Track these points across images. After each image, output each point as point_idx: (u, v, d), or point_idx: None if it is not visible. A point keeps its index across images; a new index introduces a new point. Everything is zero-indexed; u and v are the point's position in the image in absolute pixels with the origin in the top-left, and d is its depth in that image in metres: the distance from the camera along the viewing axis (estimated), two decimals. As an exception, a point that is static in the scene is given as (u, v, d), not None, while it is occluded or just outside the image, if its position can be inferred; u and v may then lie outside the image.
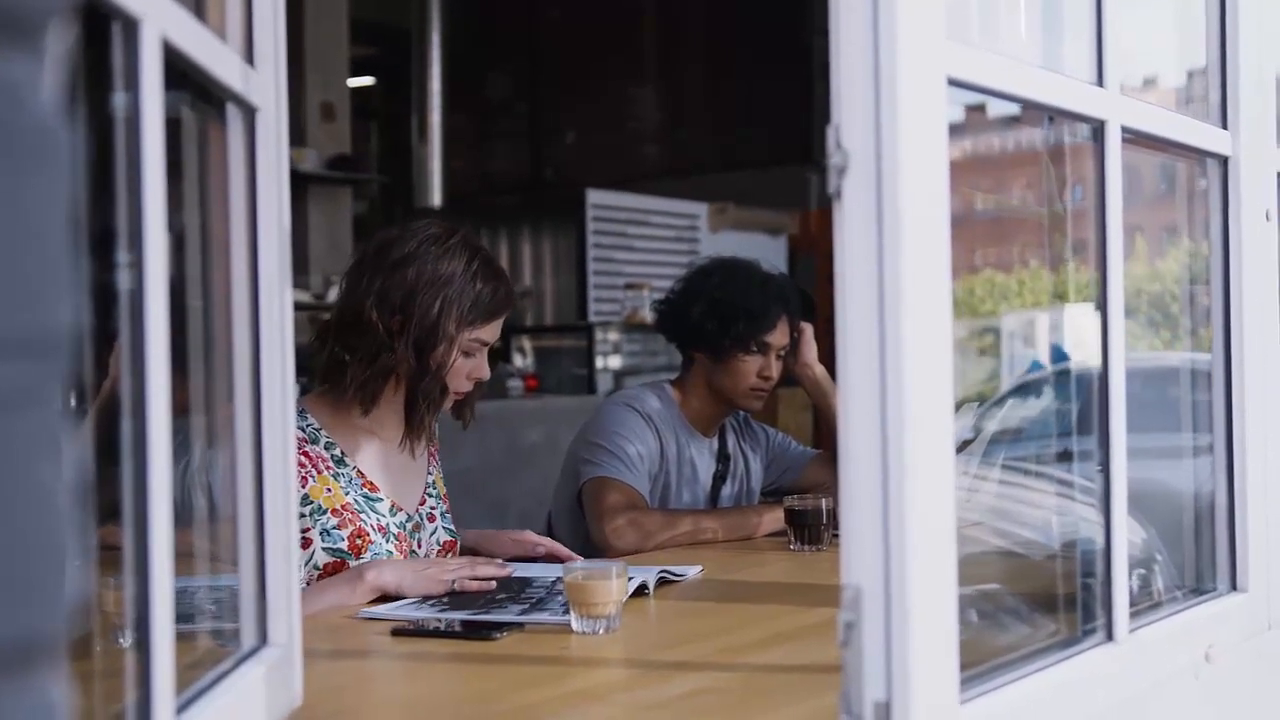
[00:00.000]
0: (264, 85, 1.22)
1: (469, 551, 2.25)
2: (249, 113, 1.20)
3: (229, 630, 1.23)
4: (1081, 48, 1.37)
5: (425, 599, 1.87)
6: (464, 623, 1.72)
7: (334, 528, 2.00)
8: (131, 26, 0.87)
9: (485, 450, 4.85)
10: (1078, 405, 1.53)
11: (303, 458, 2.00)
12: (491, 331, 2.09)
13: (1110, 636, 1.35)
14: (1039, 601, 1.50)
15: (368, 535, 2.02)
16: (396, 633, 1.70)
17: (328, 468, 2.03)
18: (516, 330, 7.28)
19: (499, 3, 9.90)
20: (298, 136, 6.62)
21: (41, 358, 0.54)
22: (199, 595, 1.25)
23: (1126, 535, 1.37)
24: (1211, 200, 1.64)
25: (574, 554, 2.18)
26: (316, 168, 6.82)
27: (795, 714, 1.33)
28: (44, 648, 0.53)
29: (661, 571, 2.02)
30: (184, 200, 1.17)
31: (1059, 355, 1.80)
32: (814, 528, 2.36)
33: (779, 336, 2.66)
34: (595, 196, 7.74)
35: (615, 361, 7.06)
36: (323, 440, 2.05)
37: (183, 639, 0.97)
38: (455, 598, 1.88)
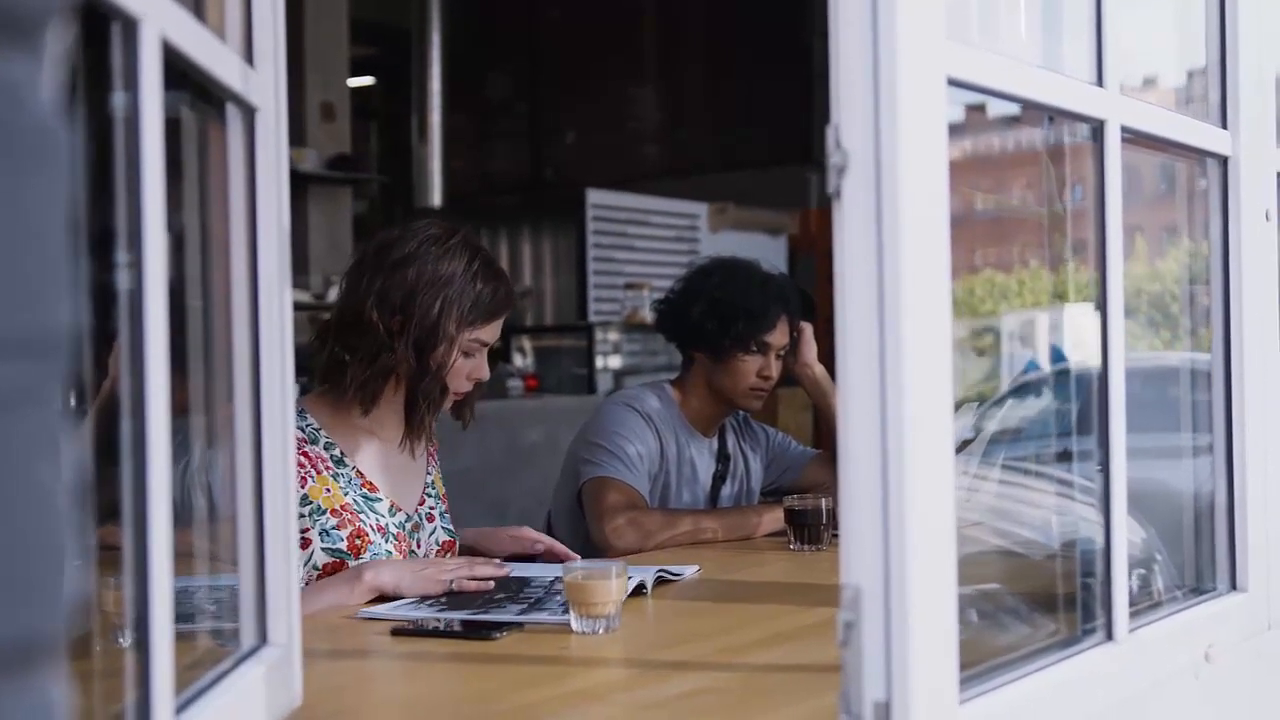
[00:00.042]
0: (263, 85, 1.22)
1: (468, 550, 2.26)
2: (248, 113, 1.20)
3: (229, 630, 1.23)
4: (1081, 47, 1.37)
5: (423, 599, 1.87)
6: (464, 622, 1.72)
7: (333, 528, 2.00)
8: (131, 26, 0.87)
9: (485, 450, 4.85)
10: (1078, 405, 1.53)
11: (302, 458, 2.00)
12: (491, 332, 2.09)
13: (1110, 636, 1.35)
14: (1039, 601, 1.50)
15: (367, 535, 2.02)
16: (396, 632, 1.70)
17: (327, 468, 2.03)
18: (516, 330, 7.28)
19: (499, 3, 9.90)
20: (298, 136, 6.62)
21: (41, 358, 0.54)
22: (199, 595, 1.25)
23: (1126, 535, 1.37)
24: (1211, 200, 1.64)
25: (571, 552, 2.18)
26: (316, 168, 6.82)
27: (795, 714, 1.33)
28: (43, 647, 0.53)
29: (659, 571, 2.02)
30: (184, 200, 1.17)
31: (1057, 356, 1.80)
32: (814, 527, 2.36)
33: (779, 336, 2.66)
34: (595, 196, 7.75)
35: (615, 361, 7.06)
36: (322, 440, 2.05)
37: (182, 639, 0.97)
38: (453, 598, 1.88)
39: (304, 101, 6.78)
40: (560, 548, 2.19)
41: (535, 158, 9.92)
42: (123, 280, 0.87)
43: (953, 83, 1.09)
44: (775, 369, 2.67)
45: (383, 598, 1.88)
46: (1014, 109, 1.41)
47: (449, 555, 2.18)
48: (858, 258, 1.03)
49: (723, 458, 2.77)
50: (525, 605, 1.81)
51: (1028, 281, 1.80)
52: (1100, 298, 1.36)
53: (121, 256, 0.87)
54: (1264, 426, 1.64)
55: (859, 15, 1.02)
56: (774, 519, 2.51)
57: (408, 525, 2.11)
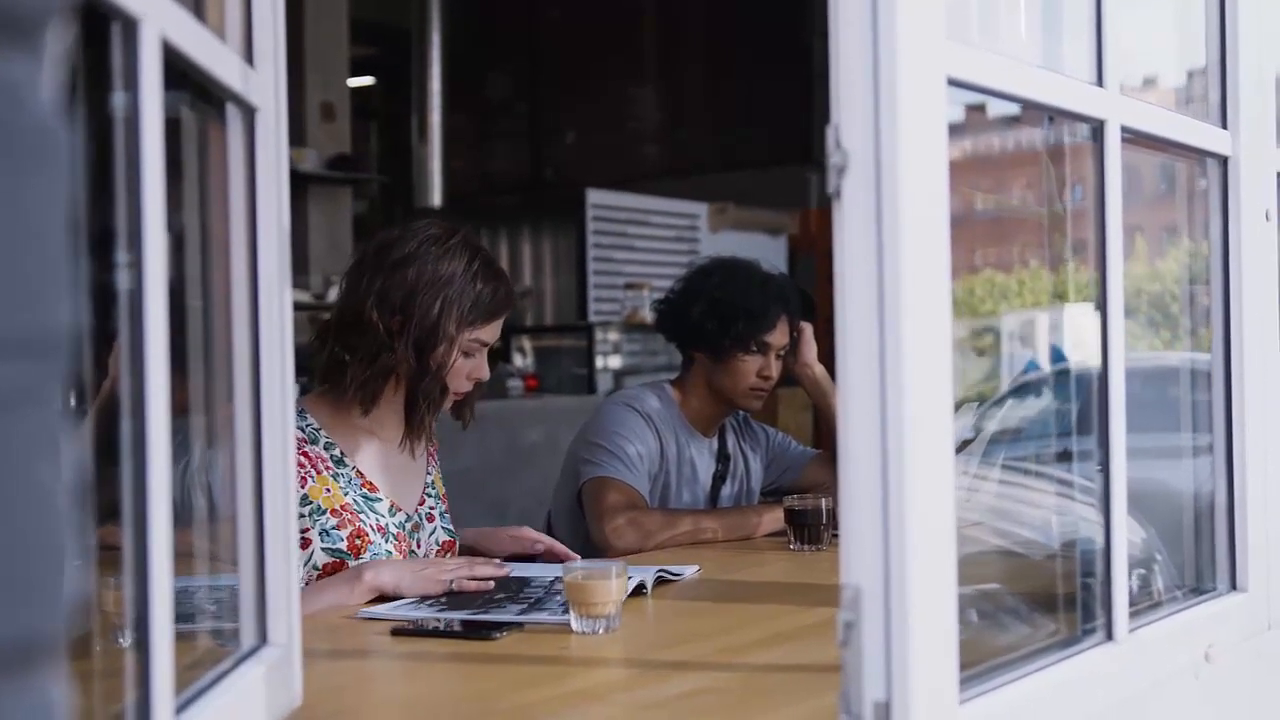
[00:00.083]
0: (263, 85, 1.22)
1: (468, 550, 2.26)
2: (248, 112, 1.20)
3: (229, 630, 1.23)
4: (1081, 47, 1.37)
5: (423, 599, 1.87)
6: (464, 622, 1.72)
7: (333, 528, 2.00)
8: (131, 26, 0.87)
9: (485, 450, 4.85)
10: (1078, 405, 1.53)
11: (302, 458, 2.00)
12: (491, 332, 2.10)
13: (1110, 636, 1.35)
14: (1039, 601, 1.50)
15: (367, 535, 2.02)
16: (396, 632, 1.70)
17: (327, 468, 2.03)
18: (516, 330, 7.29)
19: (499, 3, 9.90)
20: (298, 136, 6.62)
21: (41, 358, 0.54)
22: (199, 595, 1.25)
23: (1126, 535, 1.37)
24: (1211, 200, 1.65)
25: (571, 552, 2.18)
26: (316, 167, 6.82)
27: (795, 714, 1.33)
28: (43, 647, 0.53)
29: (659, 571, 2.02)
30: (184, 200, 1.17)
31: (1057, 356, 1.80)
32: (814, 527, 2.36)
33: (779, 336, 2.66)
34: (595, 196, 7.75)
35: (615, 361, 7.06)
36: (322, 440, 2.05)
37: (182, 639, 0.97)
38: (453, 598, 1.88)
39: (304, 101, 6.78)
40: (560, 548, 2.19)
41: (535, 158, 9.92)
42: (123, 280, 0.87)
43: (952, 83, 1.09)
44: (775, 369, 2.67)
45: (382, 598, 1.88)
46: (1014, 109, 1.41)
47: (449, 555, 2.18)
48: (857, 258, 1.03)
49: (723, 458, 2.77)
50: (525, 605, 1.81)
51: (1028, 281, 1.80)
52: (1100, 298, 1.36)
53: (122, 256, 0.87)
54: (1264, 426, 1.64)
55: (859, 15, 1.02)
56: (774, 519, 2.51)
57: (408, 525, 2.11)
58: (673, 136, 9.42)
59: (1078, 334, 1.59)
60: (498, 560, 2.09)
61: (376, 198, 8.49)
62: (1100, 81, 1.36)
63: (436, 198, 8.20)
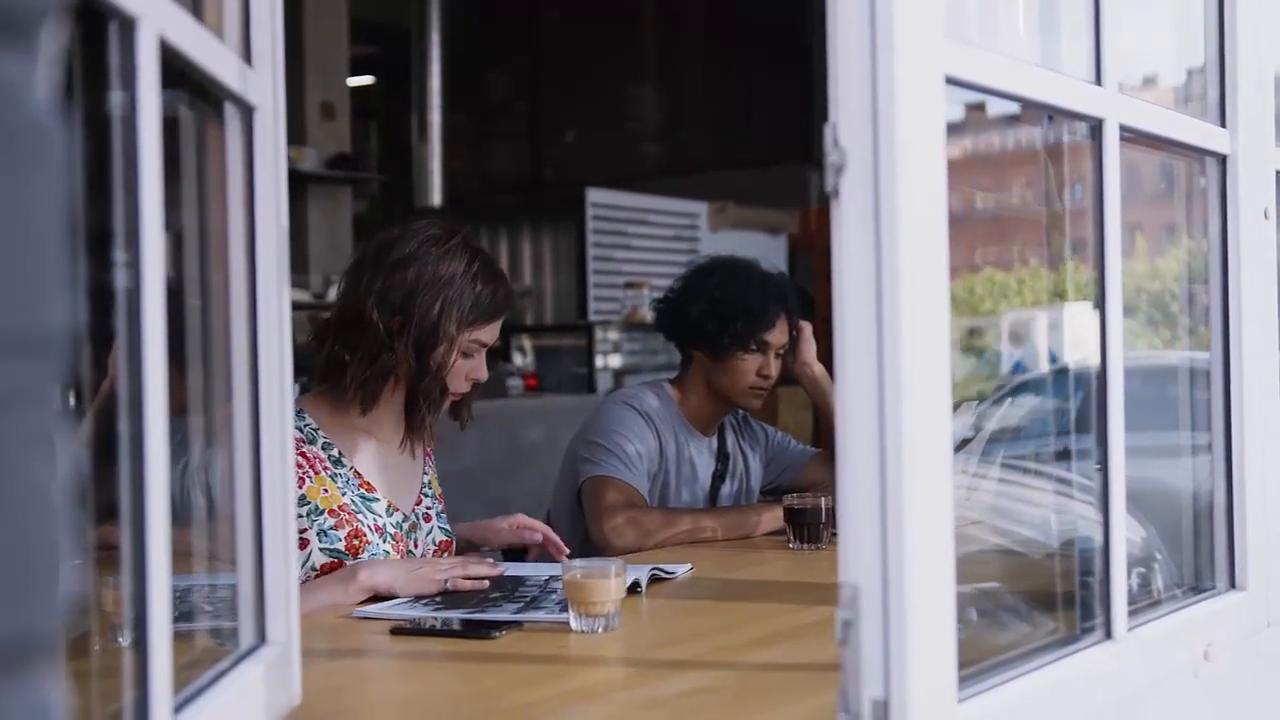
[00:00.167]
0: (262, 84, 1.22)
1: (465, 544, 2.26)
2: (247, 112, 1.20)
3: (227, 629, 1.23)
4: (1080, 46, 1.37)
5: (418, 598, 1.87)
6: (463, 621, 1.72)
7: (331, 528, 2.00)
8: (129, 26, 0.87)
9: (485, 450, 4.85)
10: (1077, 404, 1.53)
11: (300, 458, 2.00)
12: (491, 333, 2.10)
13: (1109, 635, 1.35)
14: (1038, 600, 1.50)
15: (365, 535, 2.02)
16: (395, 632, 1.70)
17: (325, 468, 2.03)
18: (516, 329, 7.29)
19: (499, 3, 9.90)
20: (297, 135, 6.62)
21: (37, 357, 0.54)
22: (197, 594, 1.25)
23: (1125, 534, 1.37)
24: (1210, 198, 1.64)
25: (563, 545, 2.20)
26: (316, 167, 6.82)
27: (794, 712, 1.33)
28: (40, 647, 0.53)
29: (653, 569, 2.03)
30: (182, 200, 1.17)
31: (1050, 357, 1.80)
32: (813, 526, 2.36)
33: (778, 335, 2.67)
34: (595, 195, 7.75)
35: (615, 360, 7.06)
36: (320, 440, 2.05)
37: (181, 638, 0.97)
38: (448, 597, 1.88)
39: (304, 101, 6.78)
40: (554, 537, 2.20)
41: (535, 157, 9.92)
42: (121, 280, 0.87)
43: (951, 81, 1.09)
44: (774, 368, 2.67)
45: (377, 597, 1.88)
46: (1014, 107, 1.41)
47: (445, 555, 2.18)
48: (856, 256, 1.03)
49: (722, 456, 2.77)
50: (521, 604, 1.82)
51: (1027, 280, 1.80)
52: (1099, 296, 1.36)
53: (120, 256, 0.87)
54: (1263, 425, 1.64)
55: (857, 14, 1.02)
56: (773, 518, 2.51)
57: (405, 525, 2.11)
58: (673, 136, 9.42)
59: (1077, 333, 1.59)
60: (491, 560, 2.09)
61: (376, 197, 8.49)
62: (1099, 80, 1.36)
63: (436, 197, 8.20)
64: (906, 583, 1.01)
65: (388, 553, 2.05)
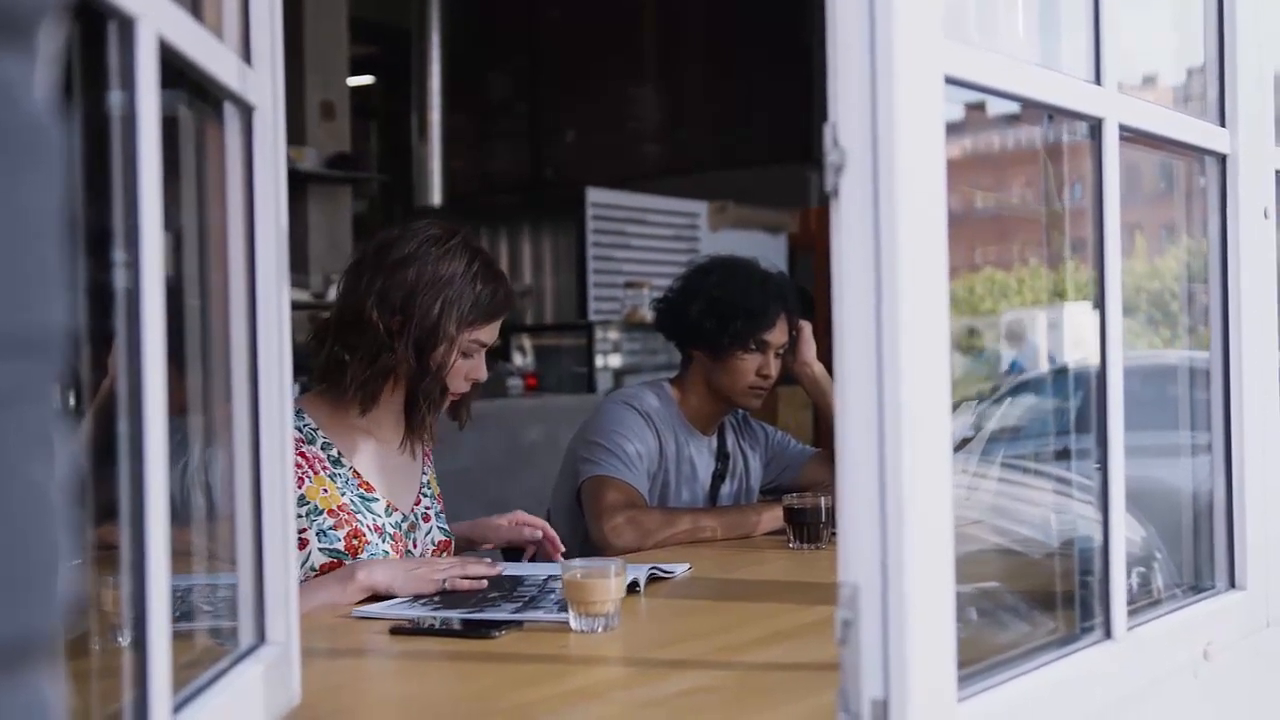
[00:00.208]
0: (261, 84, 1.22)
1: (464, 542, 2.26)
2: (246, 112, 1.20)
3: (227, 629, 1.23)
4: (1080, 45, 1.37)
5: (416, 598, 1.87)
6: (463, 621, 1.72)
7: (330, 528, 2.00)
8: (128, 25, 0.87)
9: (484, 449, 4.85)
10: (1076, 403, 1.53)
11: (299, 458, 2.00)
12: (490, 333, 2.10)
13: (1109, 634, 1.35)
14: (1037, 599, 1.50)
15: (364, 536, 2.02)
16: (395, 631, 1.70)
17: (324, 468, 2.03)
18: (516, 329, 7.29)
19: (499, 3, 9.90)
20: (297, 135, 6.62)
21: (35, 356, 0.54)
22: (197, 594, 1.25)
23: (1125, 533, 1.37)
24: (1210, 198, 1.64)
25: (560, 544, 2.21)
26: (316, 166, 6.82)
27: (793, 712, 1.33)
28: (38, 646, 0.53)
29: (652, 569, 2.03)
30: (181, 199, 1.17)
31: (1048, 358, 1.80)
32: (813, 526, 2.36)
33: (778, 335, 2.67)
34: (595, 195, 7.74)
35: (615, 360, 7.06)
36: (319, 440, 2.05)
37: (181, 638, 0.97)
38: (446, 597, 1.88)
39: (304, 100, 6.78)
40: (552, 533, 2.21)
41: (535, 157, 9.92)
42: (120, 279, 0.87)
43: (950, 81, 1.09)
44: (774, 367, 2.67)
45: (375, 597, 1.88)
46: (1014, 107, 1.41)
47: (444, 555, 2.18)
48: (855, 256, 1.03)
49: (722, 456, 2.77)
50: (520, 604, 1.82)
51: (1027, 280, 1.80)
52: (1098, 296, 1.36)
53: (119, 256, 0.87)
54: (1263, 424, 1.64)
55: (856, 13, 1.02)
56: (773, 517, 2.51)
57: (404, 525, 2.11)
58: (673, 136, 9.42)
59: (1077, 332, 1.59)
60: (490, 560, 2.09)
61: (376, 197, 8.49)
62: (1098, 80, 1.36)
63: (436, 197, 8.20)
64: (906, 582, 1.01)
65: (387, 553, 2.05)
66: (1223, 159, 1.63)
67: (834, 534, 2.32)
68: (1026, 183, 1.76)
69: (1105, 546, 1.35)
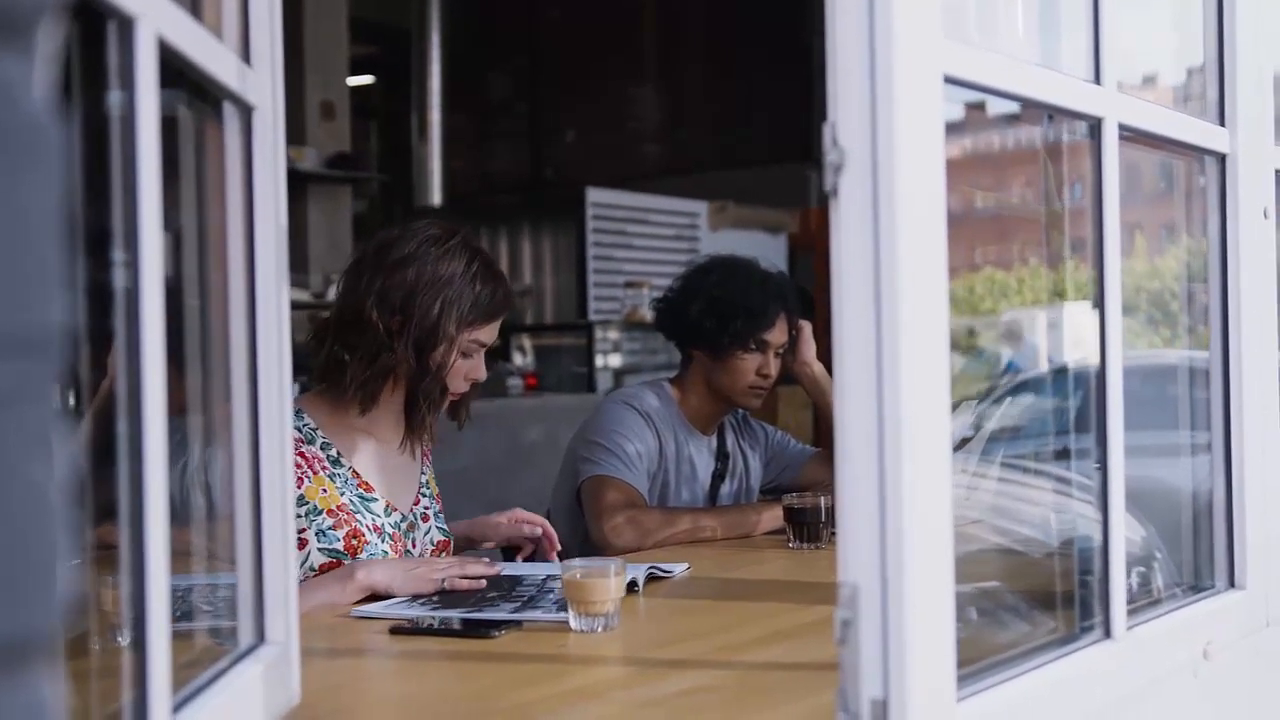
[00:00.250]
0: (260, 84, 1.22)
1: (464, 540, 2.26)
2: (245, 111, 1.20)
3: (226, 629, 1.23)
4: (1079, 45, 1.37)
5: (415, 598, 1.87)
6: (462, 621, 1.72)
7: (329, 528, 2.00)
8: (127, 25, 0.87)
9: (484, 449, 4.85)
10: (1076, 403, 1.53)
11: (299, 458, 2.00)
12: (490, 333, 2.10)
13: (1108, 634, 1.35)
14: (1037, 599, 1.50)
15: (363, 535, 2.02)
16: (394, 631, 1.70)
17: (324, 468, 2.04)
18: (516, 329, 7.29)
19: (499, 3, 9.90)
20: (297, 135, 6.62)
21: (34, 356, 0.54)
22: (197, 594, 1.25)
23: (1125, 533, 1.37)
24: (1210, 197, 1.64)
25: (558, 543, 2.21)
26: (316, 166, 6.82)
27: (793, 712, 1.33)
28: (37, 646, 0.53)
29: (650, 568, 2.03)
30: (180, 199, 1.17)
31: (1047, 357, 1.80)
32: (813, 526, 2.36)
33: (778, 334, 2.67)
34: (595, 195, 7.74)
35: (615, 360, 7.06)
36: (319, 440, 2.05)
37: (180, 637, 0.97)
38: (445, 596, 1.88)
39: (304, 100, 6.78)
40: (551, 531, 2.21)
41: (535, 157, 9.92)
42: (120, 279, 0.87)
43: (950, 81, 1.09)
44: (774, 367, 2.67)
45: (374, 596, 1.88)
46: (1013, 107, 1.41)
47: (443, 555, 2.18)
48: (854, 255, 1.03)
49: (722, 456, 2.77)
50: (518, 604, 1.82)
51: (1027, 279, 1.80)
52: (1098, 295, 1.36)
53: (118, 256, 0.87)
54: (1262, 424, 1.64)
55: (856, 13, 1.02)
56: (773, 517, 2.51)
57: (403, 525, 2.11)
58: (673, 135, 9.42)
59: (1076, 332, 1.59)
60: (488, 559, 2.09)
61: (376, 197, 8.49)
62: (1098, 79, 1.36)
63: (436, 197, 8.20)
64: (906, 582, 1.01)
65: (386, 552, 2.05)
66: (1222, 159, 1.63)
67: (834, 534, 2.32)
68: (1026, 183, 1.76)
69: (1105, 546, 1.35)
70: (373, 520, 2.05)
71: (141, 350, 0.87)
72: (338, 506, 2.02)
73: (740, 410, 2.80)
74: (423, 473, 2.20)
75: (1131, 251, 1.61)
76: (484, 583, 1.93)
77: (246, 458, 1.23)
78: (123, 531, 0.88)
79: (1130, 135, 1.41)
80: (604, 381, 6.87)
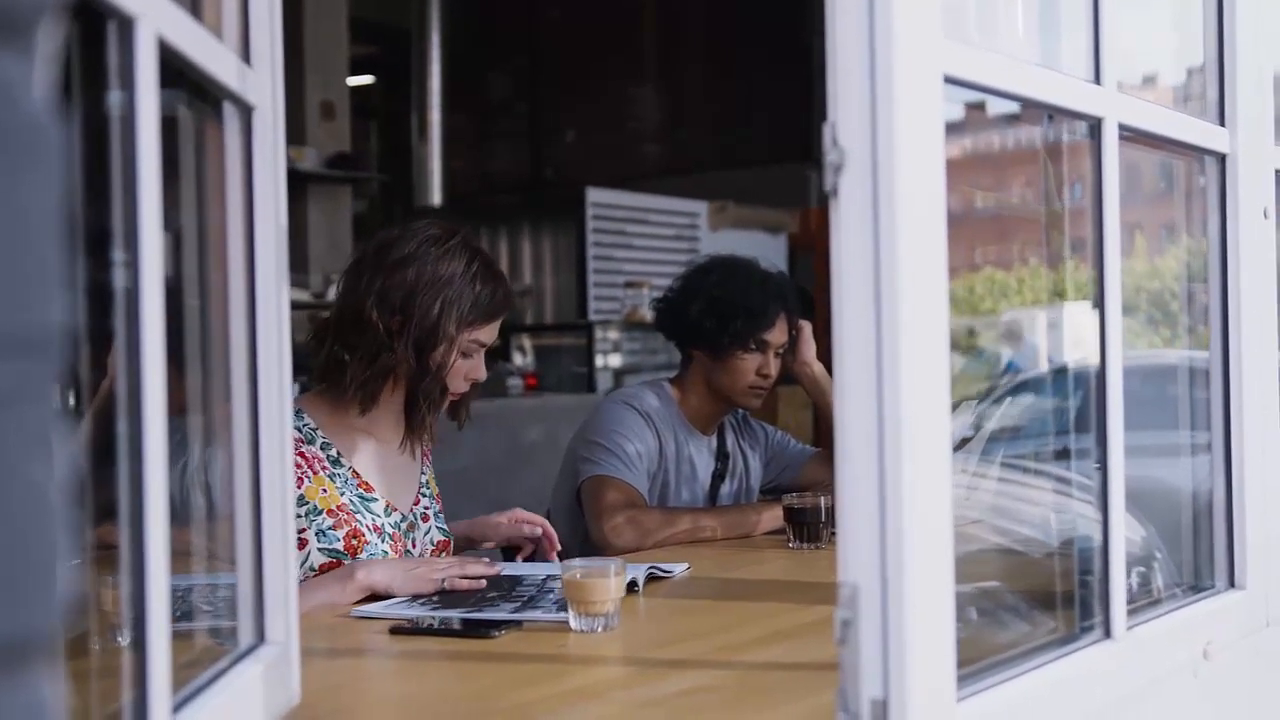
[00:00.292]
0: (260, 84, 1.22)
1: (464, 540, 2.26)
2: (245, 111, 1.20)
3: (226, 629, 1.23)
4: (1079, 45, 1.37)
5: (415, 598, 1.87)
6: (462, 621, 1.72)
7: (329, 528, 2.00)
8: (127, 25, 0.87)
9: (484, 449, 4.85)
10: (1076, 403, 1.53)
11: (299, 458, 2.00)
12: (490, 333, 2.10)
13: (1108, 634, 1.35)
14: (1037, 599, 1.50)
15: (363, 536, 2.02)
16: (394, 631, 1.70)
17: (324, 468, 2.04)
18: (516, 329, 7.29)
19: (499, 3, 9.90)
20: (297, 135, 6.62)
21: (34, 356, 0.54)
22: (197, 594, 1.25)
23: (1125, 533, 1.37)
24: (1210, 197, 1.64)
25: (557, 543, 2.21)
26: (316, 166, 6.82)
27: (793, 712, 1.33)
28: (37, 646, 0.53)
29: (650, 568, 2.03)
30: (180, 199, 1.17)
31: (1047, 357, 1.80)
32: (813, 526, 2.36)
33: (777, 334, 2.67)
34: (595, 195, 7.74)
35: (615, 360, 7.06)
36: (319, 440, 2.05)
37: (180, 637, 0.97)
38: (445, 596, 1.88)
39: (304, 100, 6.78)
40: (550, 531, 2.21)
41: (535, 157, 9.92)
42: (120, 279, 0.87)
43: (950, 81, 1.09)
44: (774, 367, 2.67)
45: (374, 596, 1.88)
46: (1013, 107, 1.41)
47: (443, 555, 2.18)
48: (854, 255, 1.03)
49: (722, 456, 2.77)
50: (518, 604, 1.82)
51: (1027, 279, 1.80)
52: (1098, 295, 1.36)
53: (118, 255, 0.87)
54: (1262, 424, 1.64)
55: (856, 13, 1.02)
56: (773, 517, 2.51)
57: (403, 525, 2.11)
58: (673, 135, 9.42)
59: (1076, 332, 1.59)
60: (488, 559, 2.10)
61: (376, 197, 8.49)
62: (1098, 79, 1.36)
63: (436, 197, 8.20)
64: (905, 582, 1.01)
65: (386, 552, 2.05)
66: (1222, 159, 1.63)
67: (834, 534, 2.32)
68: (1026, 183, 1.76)
69: (1105, 546, 1.35)
70: (373, 520, 2.05)
71: (141, 350, 0.87)
72: (338, 506, 2.02)
73: (740, 410, 2.80)
74: (423, 473, 2.20)
75: (1131, 251, 1.61)
76: (484, 583, 1.93)
77: (246, 458, 1.23)
78: (123, 531, 0.88)
79: (1130, 135, 1.41)
80: (604, 381, 6.87)
